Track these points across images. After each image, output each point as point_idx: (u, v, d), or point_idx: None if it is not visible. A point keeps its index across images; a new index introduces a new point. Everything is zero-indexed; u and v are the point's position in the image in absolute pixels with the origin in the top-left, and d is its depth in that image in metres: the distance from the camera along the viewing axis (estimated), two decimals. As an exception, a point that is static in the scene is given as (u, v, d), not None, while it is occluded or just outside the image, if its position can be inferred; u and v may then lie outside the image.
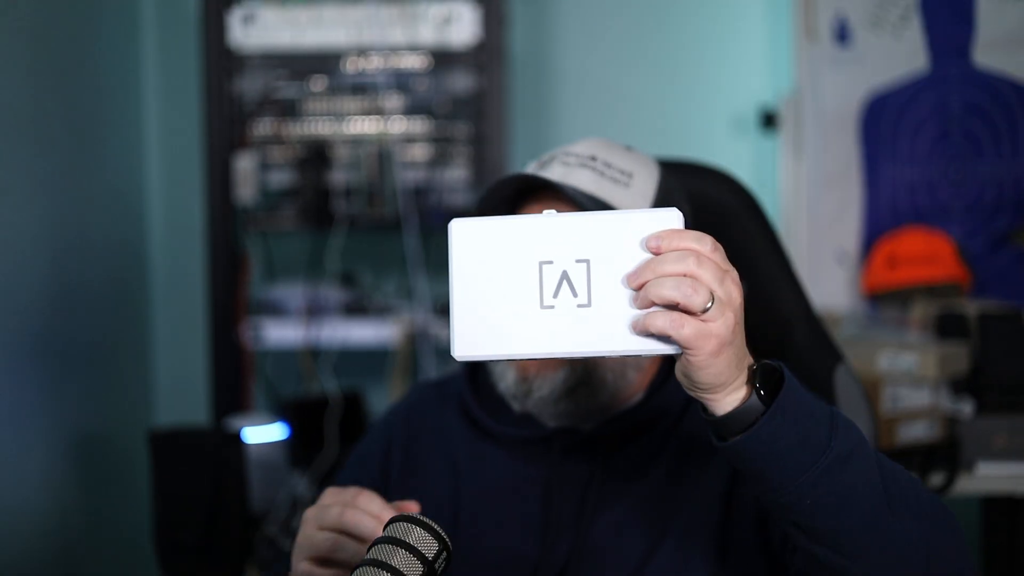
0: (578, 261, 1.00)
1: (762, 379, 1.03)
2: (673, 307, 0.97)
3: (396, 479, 1.43)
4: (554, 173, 1.33)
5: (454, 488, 1.39)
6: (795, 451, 1.03)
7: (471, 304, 1.02)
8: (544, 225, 1.01)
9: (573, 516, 1.33)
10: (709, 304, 0.97)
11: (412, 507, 1.22)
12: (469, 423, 1.42)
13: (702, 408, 1.06)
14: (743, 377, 1.03)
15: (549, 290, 1.00)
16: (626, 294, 0.99)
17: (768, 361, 1.06)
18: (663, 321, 0.97)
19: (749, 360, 1.04)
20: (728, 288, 0.99)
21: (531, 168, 1.37)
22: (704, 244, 0.98)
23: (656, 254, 0.98)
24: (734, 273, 1.01)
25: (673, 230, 0.98)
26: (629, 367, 1.36)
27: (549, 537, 1.32)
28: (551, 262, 1.00)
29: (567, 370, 1.33)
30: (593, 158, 1.34)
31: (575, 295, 1.00)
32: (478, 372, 1.46)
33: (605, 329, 0.99)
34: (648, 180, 1.35)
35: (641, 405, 1.38)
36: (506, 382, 1.36)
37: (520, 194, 1.35)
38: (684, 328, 0.97)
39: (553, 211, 1.02)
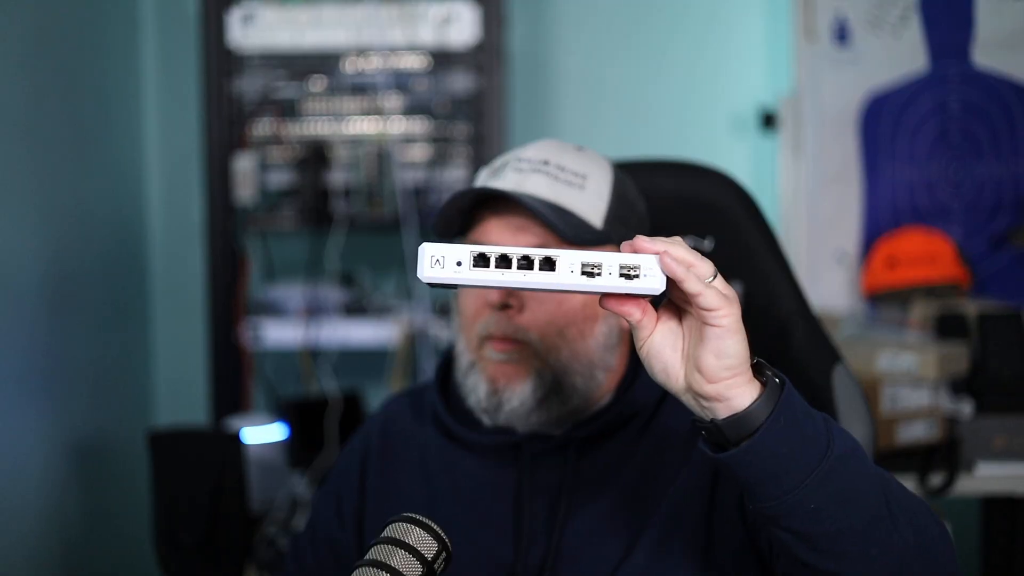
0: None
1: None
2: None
3: (373, 486, 1.43)
4: (508, 180, 1.33)
5: (428, 495, 1.39)
6: (799, 452, 1.02)
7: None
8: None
9: (544, 523, 1.32)
10: (713, 277, 1.00)
11: None
12: (441, 431, 1.42)
13: (699, 423, 1.06)
14: (750, 372, 1.04)
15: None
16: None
17: (760, 361, 1.06)
18: (681, 271, 0.99)
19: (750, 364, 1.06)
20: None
21: (484, 175, 1.37)
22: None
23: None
24: None
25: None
26: (597, 368, 1.36)
27: (522, 544, 1.32)
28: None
29: (535, 380, 1.33)
30: (546, 162, 1.34)
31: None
32: (449, 382, 1.46)
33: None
34: (602, 180, 1.35)
35: (610, 407, 1.38)
36: (477, 396, 1.35)
37: (476, 204, 1.35)
38: (705, 292, 0.99)
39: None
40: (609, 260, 1.00)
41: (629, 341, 1.40)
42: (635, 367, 1.39)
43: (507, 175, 1.34)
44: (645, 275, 1.00)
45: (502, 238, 1.31)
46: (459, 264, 0.99)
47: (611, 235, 1.33)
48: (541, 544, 1.31)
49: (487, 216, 1.34)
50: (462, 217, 1.36)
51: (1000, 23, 2.92)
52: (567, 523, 1.31)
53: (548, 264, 1.00)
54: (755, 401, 1.02)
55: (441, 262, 0.99)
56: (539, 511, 1.33)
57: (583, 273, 0.99)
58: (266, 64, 2.70)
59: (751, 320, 1.57)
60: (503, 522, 1.34)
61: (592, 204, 1.33)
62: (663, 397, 1.37)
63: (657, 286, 1.00)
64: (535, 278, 1.00)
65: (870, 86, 2.95)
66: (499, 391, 1.33)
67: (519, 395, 1.32)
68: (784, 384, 1.04)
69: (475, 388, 1.36)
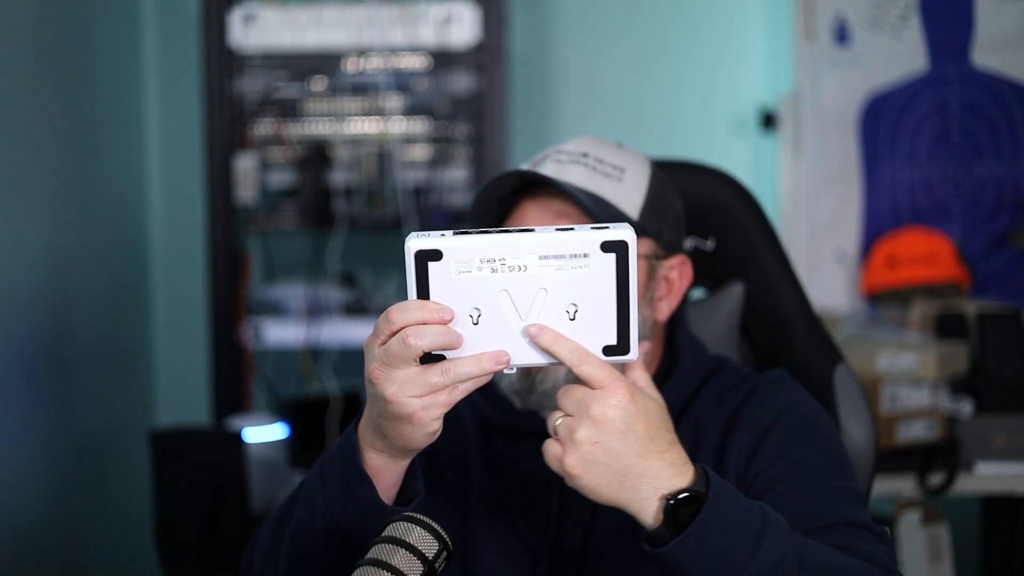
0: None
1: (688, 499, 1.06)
2: None
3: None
4: (547, 171, 1.34)
5: (467, 474, 1.39)
6: (712, 569, 1.05)
7: None
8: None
9: (578, 515, 1.33)
10: (557, 426, 1.09)
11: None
12: (475, 412, 1.42)
13: None
14: (647, 501, 1.06)
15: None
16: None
17: (689, 490, 1.07)
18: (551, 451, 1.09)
19: (660, 489, 1.06)
20: (583, 427, 1.07)
21: (525, 168, 1.38)
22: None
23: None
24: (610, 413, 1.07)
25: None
26: None
27: (556, 533, 1.33)
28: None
29: None
30: (585, 155, 1.35)
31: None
32: None
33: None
34: (640, 175, 1.36)
35: None
36: (509, 378, 1.35)
37: (515, 192, 1.36)
38: (548, 450, 1.09)
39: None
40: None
41: (663, 336, 1.41)
42: (669, 363, 1.39)
43: (546, 166, 1.35)
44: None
45: (540, 224, 1.31)
46: (442, 235, 1.04)
47: (647, 227, 1.34)
48: (575, 536, 1.32)
49: (526, 202, 1.35)
50: (501, 204, 1.36)
51: (1000, 23, 2.92)
52: (599, 516, 1.32)
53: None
54: (654, 528, 1.07)
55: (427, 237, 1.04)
56: (573, 504, 1.33)
57: None
58: (267, 64, 2.70)
59: (753, 320, 1.58)
60: (538, 507, 1.34)
61: (628, 196, 1.34)
62: (695, 393, 1.37)
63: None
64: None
65: (870, 86, 2.95)
66: (531, 373, 1.32)
67: (552, 377, 1.31)
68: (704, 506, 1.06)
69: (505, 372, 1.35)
